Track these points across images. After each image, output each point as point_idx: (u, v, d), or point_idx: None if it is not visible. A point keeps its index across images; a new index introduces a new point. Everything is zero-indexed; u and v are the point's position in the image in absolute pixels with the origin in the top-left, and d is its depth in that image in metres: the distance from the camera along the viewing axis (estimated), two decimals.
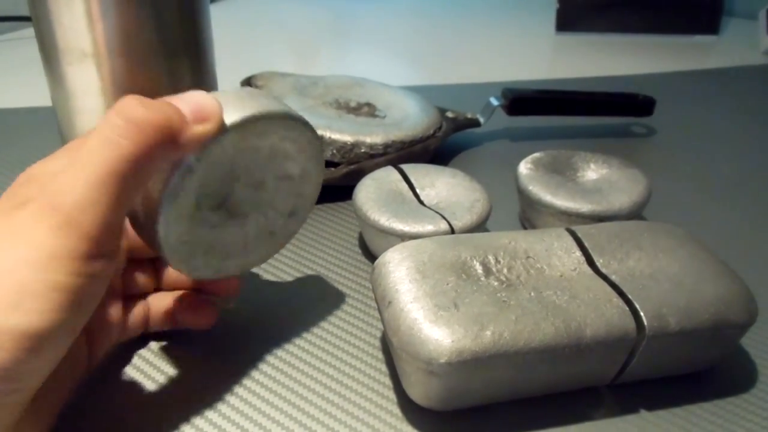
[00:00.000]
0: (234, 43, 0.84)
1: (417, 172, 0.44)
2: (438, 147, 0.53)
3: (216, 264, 0.32)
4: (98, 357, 0.31)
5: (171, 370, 0.34)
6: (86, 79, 0.37)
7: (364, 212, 0.40)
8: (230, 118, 0.27)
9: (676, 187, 0.53)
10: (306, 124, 0.31)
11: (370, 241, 0.42)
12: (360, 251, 0.44)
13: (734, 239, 0.47)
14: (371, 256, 0.43)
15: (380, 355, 0.35)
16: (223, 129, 0.27)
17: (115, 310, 0.32)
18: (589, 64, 0.79)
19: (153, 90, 0.38)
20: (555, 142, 0.59)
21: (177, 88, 0.38)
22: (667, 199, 0.51)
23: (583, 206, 0.42)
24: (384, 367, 0.34)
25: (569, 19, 0.89)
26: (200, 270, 0.31)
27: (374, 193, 0.42)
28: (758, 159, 0.58)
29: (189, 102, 0.26)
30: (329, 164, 0.48)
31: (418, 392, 0.31)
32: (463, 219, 0.40)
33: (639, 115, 0.61)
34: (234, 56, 0.79)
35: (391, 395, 0.33)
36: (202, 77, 0.40)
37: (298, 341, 0.36)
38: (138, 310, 0.33)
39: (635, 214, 0.43)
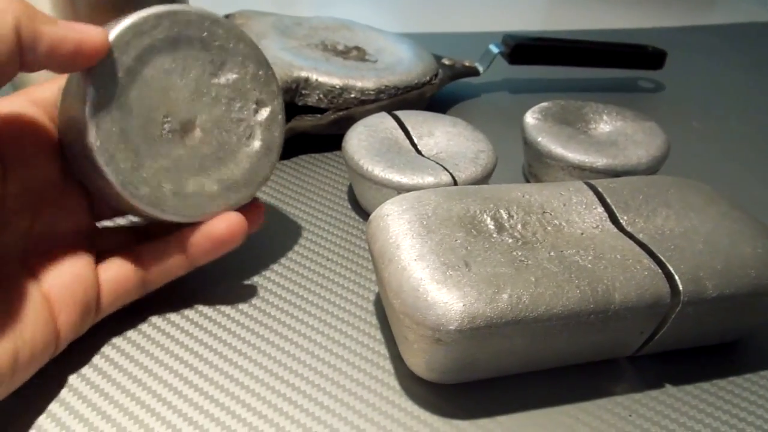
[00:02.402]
0: None
1: (414, 119, 0.40)
2: (434, 96, 0.49)
3: (180, 192, 0.28)
4: (70, 332, 0.27)
5: (154, 339, 0.29)
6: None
7: (356, 162, 0.36)
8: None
9: (689, 143, 0.49)
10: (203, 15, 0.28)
11: (361, 195, 0.37)
12: (350, 206, 0.39)
13: (753, 198, 0.43)
14: (363, 212, 0.39)
15: (374, 320, 0.31)
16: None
17: (83, 268, 0.27)
18: (593, 17, 0.75)
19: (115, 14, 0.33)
20: (559, 95, 0.55)
21: None
22: (679, 157, 0.47)
23: (598, 160, 0.38)
24: (379, 334, 0.30)
25: None
26: (167, 202, 0.27)
27: (367, 141, 0.37)
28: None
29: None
30: (315, 110, 0.43)
31: (419, 363, 0.27)
32: (467, 171, 0.35)
33: (648, 68, 0.56)
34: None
35: (388, 365, 0.29)
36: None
37: (283, 305, 0.32)
38: (118, 270, 0.29)
39: (653, 170, 0.39)
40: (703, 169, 0.46)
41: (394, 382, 0.28)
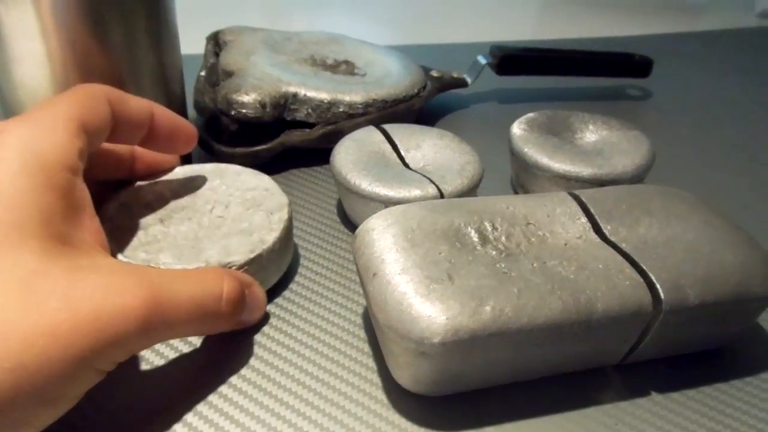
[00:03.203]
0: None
1: (401, 132, 0.40)
2: (422, 108, 0.49)
3: None
4: None
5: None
6: (23, 20, 0.32)
7: (343, 176, 0.36)
8: None
9: (676, 151, 0.50)
10: None
11: (350, 209, 0.38)
12: (339, 220, 0.40)
13: (739, 206, 0.44)
14: (351, 226, 0.39)
15: (362, 333, 0.31)
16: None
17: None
18: (580, 25, 0.75)
19: (100, 31, 0.33)
20: (547, 104, 0.55)
21: (129, 33, 0.34)
22: (667, 164, 0.48)
23: (584, 169, 0.38)
24: (367, 347, 0.31)
25: None
26: None
27: (354, 154, 0.38)
28: (757, 123, 0.55)
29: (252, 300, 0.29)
30: (304, 125, 0.44)
31: (406, 376, 0.27)
32: (453, 183, 0.36)
33: (635, 76, 0.57)
34: (203, 10, 0.74)
35: (376, 379, 0.29)
36: (158, 21, 0.36)
37: (270, 319, 0.32)
38: None
39: (638, 178, 0.39)
40: (689, 176, 0.47)
41: (381, 395, 0.28)
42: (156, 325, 0.23)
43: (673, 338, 0.29)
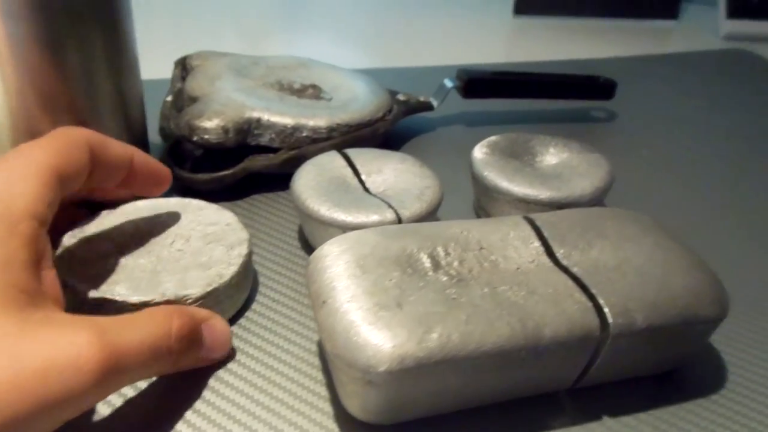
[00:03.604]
0: (175, 21, 0.79)
1: (363, 157, 0.41)
2: (388, 132, 0.50)
3: None
4: None
5: None
6: None
7: (302, 201, 0.37)
8: None
9: (638, 172, 0.50)
10: None
11: (310, 234, 0.38)
12: (300, 245, 0.40)
13: (699, 227, 0.44)
14: (312, 251, 0.39)
15: (317, 361, 0.31)
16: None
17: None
18: (548, 49, 0.76)
19: (57, 58, 0.33)
20: (513, 126, 0.56)
21: (87, 59, 0.34)
22: (629, 186, 0.48)
23: (542, 192, 0.38)
24: (321, 375, 0.31)
25: (527, 3, 0.86)
26: None
27: (314, 180, 0.38)
28: (720, 144, 0.56)
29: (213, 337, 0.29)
30: (268, 150, 0.44)
31: (355, 404, 0.27)
32: (411, 208, 0.36)
33: (599, 99, 0.58)
34: (174, 35, 0.74)
35: (328, 408, 0.29)
36: (117, 47, 0.36)
37: None
38: None
39: (597, 200, 0.40)
40: (648, 197, 0.47)
41: (332, 425, 0.28)
42: (110, 375, 0.22)
43: (623, 362, 0.29)
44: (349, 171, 0.40)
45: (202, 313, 0.29)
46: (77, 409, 0.22)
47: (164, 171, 0.33)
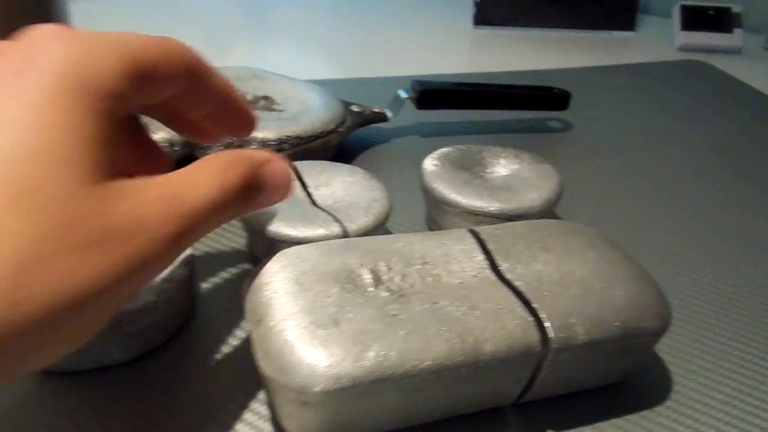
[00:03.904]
0: (131, 30, 0.77)
1: (311, 169, 0.40)
2: (341, 143, 0.49)
3: None
4: None
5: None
6: None
7: (246, 216, 0.36)
8: None
9: (591, 183, 0.51)
10: None
11: (255, 249, 0.37)
12: (247, 260, 0.39)
13: (647, 238, 0.44)
14: None
15: (257, 378, 0.31)
16: None
17: None
18: (507, 59, 0.77)
19: None
20: (468, 137, 0.56)
21: None
22: (581, 196, 0.48)
23: (491, 204, 0.38)
24: (261, 394, 0.30)
25: (487, 14, 0.86)
26: None
27: None
28: (673, 154, 0.56)
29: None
30: None
31: (293, 425, 0.26)
32: (358, 221, 0.36)
33: (554, 109, 0.58)
34: None
35: (267, 428, 0.28)
36: None
37: (163, 366, 0.31)
38: None
39: (547, 212, 0.40)
40: (600, 208, 0.47)
41: None
42: (178, 241, 0.23)
43: (567, 375, 0.29)
44: (296, 184, 0.39)
45: (262, 155, 0.27)
46: (150, 274, 0.22)
47: (252, 112, 0.30)
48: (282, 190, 0.28)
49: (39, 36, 0.22)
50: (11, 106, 0.20)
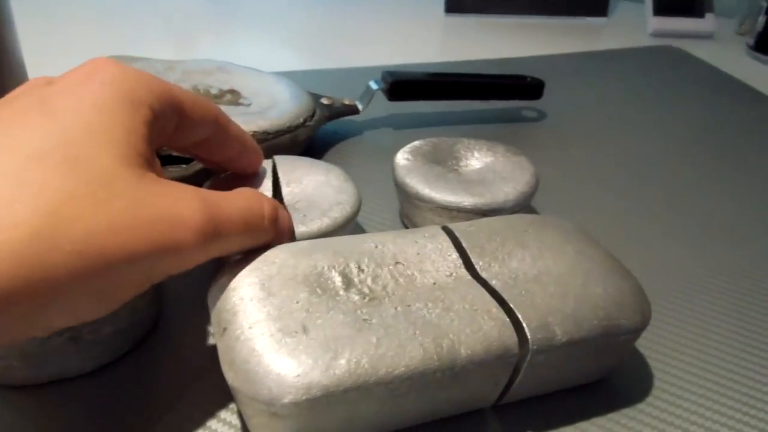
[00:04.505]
0: (97, 24, 0.75)
1: (289, 165, 0.38)
2: (310, 138, 0.48)
3: None
4: None
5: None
6: None
7: None
8: None
9: (567, 174, 0.50)
10: None
11: None
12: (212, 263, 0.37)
13: (624, 230, 0.44)
14: None
15: (227, 387, 0.29)
16: None
17: None
18: (479, 47, 0.76)
19: None
20: (441, 129, 0.55)
21: None
22: (557, 188, 0.48)
23: (465, 199, 0.37)
24: (232, 403, 0.29)
25: (459, 1, 0.85)
26: None
27: None
28: (648, 141, 0.56)
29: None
30: (180, 160, 0.42)
31: None
32: (311, 224, 0.33)
33: (528, 98, 0.57)
34: (92, 38, 0.70)
35: None
36: None
37: (127, 374, 0.29)
38: None
39: (523, 205, 0.39)
40: (577, 200, 0.47)
41: None
42: (210, 236, 0.24)
43: (546, 376, 0.28)
44: (268, 182, 0.37)
45: (276, 202, 0.29)
46: (179, 264, 0.24)
47: (259, 150, 0.34)
48: (288, 236, 0.30)
49: (100, 61, 0.26)
50: (74, 100, 0.24)
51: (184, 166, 0.41)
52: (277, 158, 0.39)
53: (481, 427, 0.29)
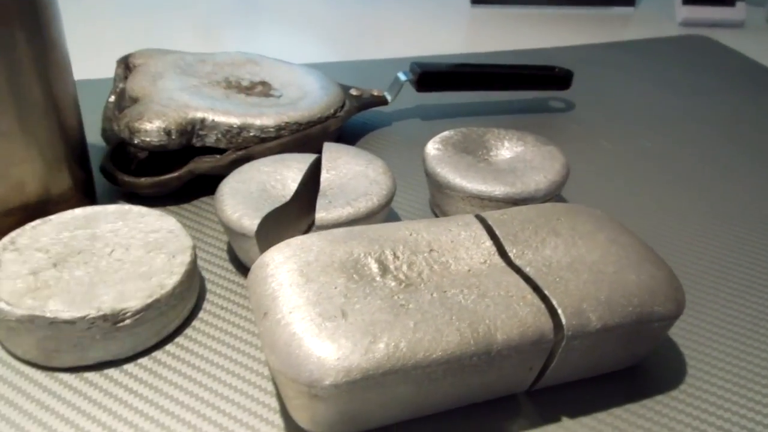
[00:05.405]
0: (127, 19, 0.76)
1: (329, 151, 0.39)
2: (340, 128, 0.48)
3: None
4: None
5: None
6: None
7: (222, 209, 0.35)
8: None
9: (596, 163, 0.50)
10: None
11: (237, 249, 0.36)
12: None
13: (656, 219, 0.44)
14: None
15: (266, 371, 0.30)
16: None
17: None
18: (506, 38, 0.75)
19: None
20: (470, 119, 0.55)
21: (12, 61, 0.32)
22: (587, 178, 0.48)
23: (496, 189, 0.37)
24: (270, 386, 0.29)
25: None
26: None
27: (239, 188, 0.36)
28: (679, 132, 0.55)
29: None
30: (214, 151, 0.42)
31: (304, 417, 0.26)
32: (343, 209, 0.34)
33: (556, 89, 0.57)
34: (121, 32, 0.71)
35: (278, 420, 0.28)
36: (45, 50, 0.34)
37: (167, 361, 0.30)
38: None
39: (553, 195, 0.39)
40: (607, 189, 0.47)
41: None
42: None
43: (579, 362, 0.29)
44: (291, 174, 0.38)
45: None
46: None
47: None
48: None
49: None
50: None
51: (218, 156, 0.42)
52: (326, 145, 0.40)
53: (515, 412, 0.29)
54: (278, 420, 0.28)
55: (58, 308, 0.28)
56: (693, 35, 0.79)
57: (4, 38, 0.32)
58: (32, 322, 0.28)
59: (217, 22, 0.79)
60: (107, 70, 0.55)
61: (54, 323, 0.28)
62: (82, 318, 0.28)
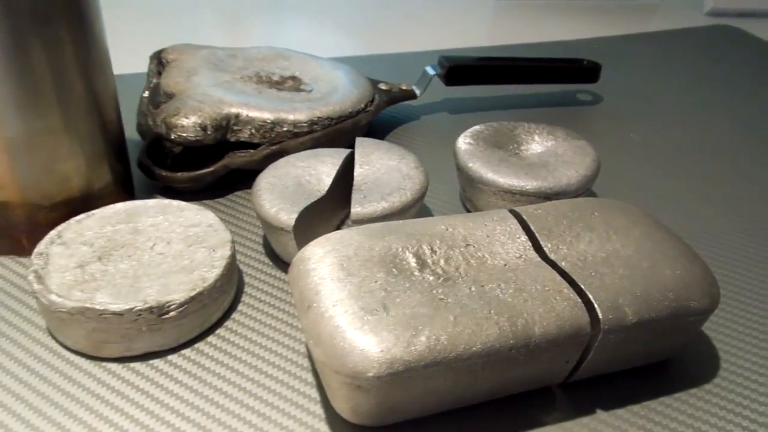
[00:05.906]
0: (154, 13, 0.77)
1: (364, 147, 0.39)
2: (370, 122, 0.49)
3: None
4: None
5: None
6: None
7: (260, 204, 0.35)
8: None
9: (626, 157, 0.50)
10: None
11: (274, 243, 0.36)
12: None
13: (688, 213, 0.44)
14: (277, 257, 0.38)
15: (306, 363, 0.31)
16: None
17: None
18: (531, 31, 0.75)
19: (24, 61, 0.32)
20: (497, 113, 0.55)
21: (54, 57, 0.33)
22: (617, 172, 0.48)
23: (528, 183, 0.38)
24: (310, 377, 0.30)
25: None
26: None
27: (275, 182, 0.37)
28: (709, 125, 0.55)
29: None
30: (248, 146, 0.43)
31: (345, 408, 0.26)
32: (378, 204, 0.35)
33: (584, 82, 0.57)
34: (150, 26, 0.72)
35: (318, 410, 0.29)
36: (87, 48, 0.34)
37: (209, 353, 0.31)
38: None
39: (584, 189, 0.39)
40: (638, 184, 0.47)
41: (324, 428, 0.28)
42: None
43: (615, 355, 0.29)
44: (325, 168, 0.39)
45: None
46: None
47: None
48: None
49: None
50: None
51: (251, 151, 0.43)
52: (359, 140, 0.40)
53: (551, 404, 0.30)
54: (318, 410, 0.29)
55: (106, 300, 0.29)
56: (720, 25, 0.78)
57: (49, 37, 0.32)
58: (82, 314, 0.29)
59: (243, 16, 0.80)
60: (134, 64, 0.56)
61: (103, 315, 0.29)
62: (130, 310, 0.29)
